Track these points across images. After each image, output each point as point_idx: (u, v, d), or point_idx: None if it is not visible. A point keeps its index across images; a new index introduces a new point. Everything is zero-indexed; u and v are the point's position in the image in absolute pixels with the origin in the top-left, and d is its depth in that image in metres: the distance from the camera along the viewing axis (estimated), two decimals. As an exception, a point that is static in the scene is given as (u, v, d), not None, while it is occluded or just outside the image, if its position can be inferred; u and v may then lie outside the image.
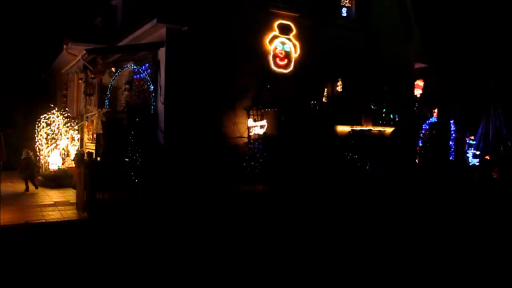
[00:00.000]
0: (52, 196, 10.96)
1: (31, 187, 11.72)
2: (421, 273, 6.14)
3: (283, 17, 13.03)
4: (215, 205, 9.37)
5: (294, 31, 13.09)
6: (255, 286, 5.63)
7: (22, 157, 11.83)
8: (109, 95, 12.66)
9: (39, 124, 14.09)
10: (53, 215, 8.75)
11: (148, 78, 11.95)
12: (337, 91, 13.48)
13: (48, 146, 13.66)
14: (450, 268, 6.42)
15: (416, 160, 15.16)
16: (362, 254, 6.99)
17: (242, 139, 12.18)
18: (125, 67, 13.12)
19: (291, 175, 11.27)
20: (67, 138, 13.64)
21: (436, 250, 7.33)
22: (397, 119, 14.31)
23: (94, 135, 12.53)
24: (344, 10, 14.77)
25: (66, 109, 16.08)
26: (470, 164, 17.18)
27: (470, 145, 17.87)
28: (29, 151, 12.30)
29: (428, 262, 6.67)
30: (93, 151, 11.59)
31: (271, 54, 12.73)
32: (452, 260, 6.84)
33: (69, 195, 10.98)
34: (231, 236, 7.92)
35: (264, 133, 11.77)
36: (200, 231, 8.13)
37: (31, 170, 12.00)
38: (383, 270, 6.27)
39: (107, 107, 12.25)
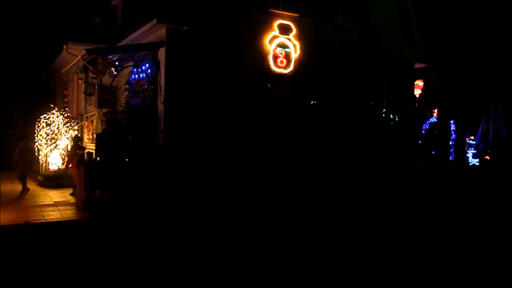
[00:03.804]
0: (52, 196, 10.96)
1: None
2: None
3: (283, 17, 13.05)
4: (215, 206, 9.36)
5: (294, 31, 13.10)
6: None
7: None
8: (109, 95, 12.67)
9: (39, 124, 14.08)
10: (53, 215, 8.74)
11: (148, 78, 11.96)
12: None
13: (48, 146, 13.65)
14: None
15: (416, 160, 15.16)
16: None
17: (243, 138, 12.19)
18: (125, 67, 13.13)
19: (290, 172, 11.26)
20: (67, 138, 13.63)
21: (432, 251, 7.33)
22: (397, 119, 14.32)
23: (94, 135, 12.53)
24: (344, 10, 14.78)
25: (66, 109, 16.07)
26: (470, 164, 17.17)
27: (470, 145, 17.87)
28: None
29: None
30: (93, 151, 11.58)
31: (271, 54, 12.73)
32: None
33: (69, 195, 10.97)
34: (233, 236, 7.91)
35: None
36: (200, 230, 8.13)
37: None
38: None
39: (107, 106, 12.27)
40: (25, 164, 11.00)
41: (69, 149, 12.72)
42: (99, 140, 10.37)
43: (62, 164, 13.56)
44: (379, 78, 14.12)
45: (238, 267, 6.26)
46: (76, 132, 13.59)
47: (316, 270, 6.22)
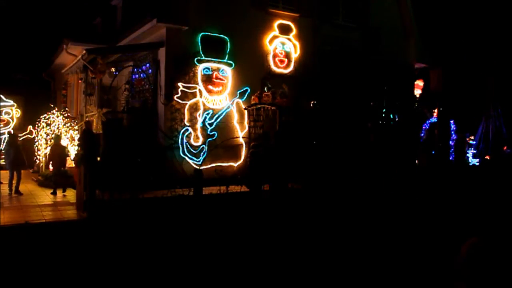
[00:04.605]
0: (52, 196, 10.95)
1: None
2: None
3: (283, 17, 13.05)
4: (216, 206, 9.34)
5: (294, 31, 13.10)
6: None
7: None
8: (109, 95, 12.67)
9: (39, 124, 14.09)
10: (53, 215, 8.73)
11: (149, 78, 11.95)
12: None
13: (48, 146, 13.64)
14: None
15: (416, 160, 15.14)
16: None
17: (243, 138, 12.18)
18: (125, 67, 13.12)
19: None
20: (67, 138, 13.61)
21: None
22: (397, 119, 14.30)
23: (94, 135, 12.52)
24: (344, 10, 14.77)
25: (66, 109, 16.07)
26: (470, 164, 17.16)
27: (470, 145, 17.86)
28: None
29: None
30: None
31: (271, 54, 12.74)
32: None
33: (69, 195, 10.97)
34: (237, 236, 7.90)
35: (264, 132, 11.75)
36: (201, 230, 8.12)
37: None
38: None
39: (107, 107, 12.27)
40: (15, 163, 11.03)
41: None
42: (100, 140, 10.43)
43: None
44: (379, 78, 14.10)
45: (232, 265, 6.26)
46: (75, 132, 13.59)
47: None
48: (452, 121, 16.63)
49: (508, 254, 1.76)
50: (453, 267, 1.86)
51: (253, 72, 12.37)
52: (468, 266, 1.78)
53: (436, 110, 16.21)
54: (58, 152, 11.26)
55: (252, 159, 10.32)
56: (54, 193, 10.93)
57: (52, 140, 12.69)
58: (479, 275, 1.75)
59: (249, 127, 12.21)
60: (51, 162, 11.41)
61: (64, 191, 11.08)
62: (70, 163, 13.24)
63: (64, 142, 13.48)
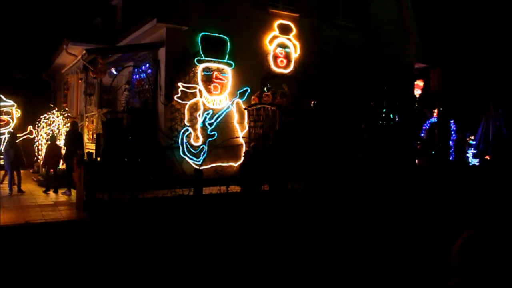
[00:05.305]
0: (52, 196, 10.95)
1: None
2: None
3: (283, 17, 13.05)
4: (216, 206, 9.35)
5: (294, 31, 13.11)
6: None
7: None
8: (109, 95, 12.67)
9: (39, 124, 14.09)
10: (53, 215, 8.73)
11: (149, 78, 11.95)
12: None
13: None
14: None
15: (416, 160, 15.14)
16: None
17: (243, 138, 12.18)
18: (125, 67, 13.12)
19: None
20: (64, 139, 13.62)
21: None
22: (397, 119, 14.29)
23: (94, 135, 12.52)
24: (344, 10, 14.76)
25: (66, 109, 16.07)
26: (470, 164, 17.16)
27: (470, 145, 17.85)
28: None
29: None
30: (93, 151, 11.58)
31: (271, 54, 12.74)
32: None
33: (61, 194, 10.99)
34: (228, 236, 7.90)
35: (264, 132, 11.75)
36: (201, 230, 8.12)
37: None
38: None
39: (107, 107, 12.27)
40: (15, 163, 11.08)
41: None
42: (100, 140, 10.37)
43: (63, 164, 13.56)
44: (379, 78, 14.09)
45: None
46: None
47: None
48: (452, 121, 16.63)
49: (505, 247, 1.73)
50: (448, 263, 1.84)
51: (253, 72, 12.37)
52: (462, 258, 1.75)
53: (436, 110, 16.21)
54: (54, 152, 11.31)
55: (245, 158, 10.30)
56: (55, 191, 11.00)
57: (49, 141, 12.73)
58: (473, 268, 1.73)
59: (249, 127, 12.22)
60: (46, 164, 11.45)
61: (56, 191, 11.10)
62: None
63: (63, 142, 13.48)
